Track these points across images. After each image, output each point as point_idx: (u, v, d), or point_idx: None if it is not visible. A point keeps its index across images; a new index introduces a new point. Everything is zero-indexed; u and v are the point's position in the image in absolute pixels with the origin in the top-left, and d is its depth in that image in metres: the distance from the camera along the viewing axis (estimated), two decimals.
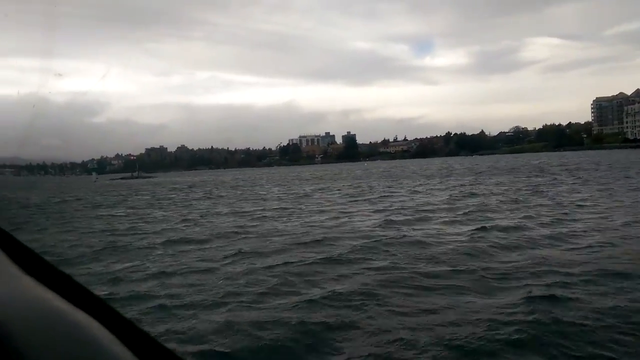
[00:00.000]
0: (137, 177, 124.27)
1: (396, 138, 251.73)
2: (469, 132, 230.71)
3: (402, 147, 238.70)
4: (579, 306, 7.00)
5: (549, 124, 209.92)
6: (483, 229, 13.48)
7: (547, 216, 15.64)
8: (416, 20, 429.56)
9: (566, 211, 16.72)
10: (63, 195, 51.68)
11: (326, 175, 69.65)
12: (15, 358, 0.50)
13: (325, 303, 7.76)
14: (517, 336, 6.03)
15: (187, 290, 9.14)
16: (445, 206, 20.09)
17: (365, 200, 26.04)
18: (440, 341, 6.02)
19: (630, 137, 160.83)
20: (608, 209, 16.82)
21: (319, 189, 39.07)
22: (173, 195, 42.58)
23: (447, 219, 16.10)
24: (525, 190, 26.29)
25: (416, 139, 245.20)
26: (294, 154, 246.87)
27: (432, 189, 32.06)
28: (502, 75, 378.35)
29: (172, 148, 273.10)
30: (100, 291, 9.20)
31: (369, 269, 9.96)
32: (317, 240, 13.57)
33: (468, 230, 13.46)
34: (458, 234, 13.15)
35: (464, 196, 24.38)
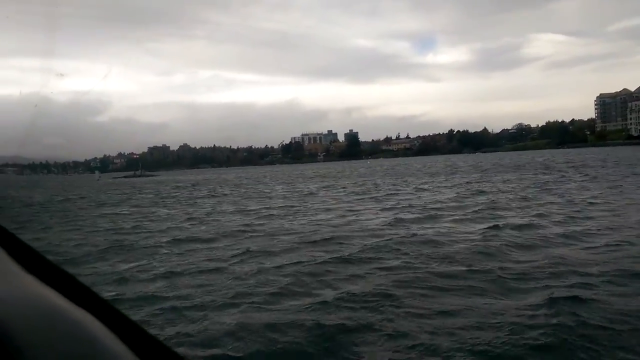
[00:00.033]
0: (139, 176, 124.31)
1: (398, 136, 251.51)
2: (471, 130, 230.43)
3: (404, 144, 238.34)
4: (604, 308, 6.75)
5: (551, 120, 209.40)
6: (495, 227, 13.22)
7: (559, 214, 15.37)
8: (418, 17, 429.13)
9: (578, 209, 16.44)
10: (66, 193, 51.60)
11: (330, 173, 69.40)
12: (15, 356, 0.49)
13: (340, 304, 7.53)
14: (543, 340, 5.78)
15: (196, 290, 8.92)
16: (454, 204, 19.82)
17: (371, 198, 25.80)
18: (463, 346, 5.78)
19: (634, 133, 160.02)
20: (620, 207, 16.54)
21: (324, 187, 38.83)
22: (177, 194, 42.38)
23: (457, 217, 15.84)
24: (534, 187, 26.00)
25: (419, 136, 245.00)
26: (296, 152, 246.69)
27: (438, 186, 31.78)
28: (504, 72, 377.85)
29: (174, 147, 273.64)
30: (108, 292, 9.00)
31: (381, 268, 9.73)
32: (326, 239, 13.34)
33: (480, 229, 13.20)
34: (470, 233, 12.89)
35: (472, 194, 24.10)
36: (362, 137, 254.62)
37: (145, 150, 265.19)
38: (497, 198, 21.10)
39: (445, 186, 31.47)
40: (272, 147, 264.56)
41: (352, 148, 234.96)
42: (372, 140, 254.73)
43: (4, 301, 0.57)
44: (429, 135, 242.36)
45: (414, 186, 33.00)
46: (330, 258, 10.77)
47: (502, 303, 7.31)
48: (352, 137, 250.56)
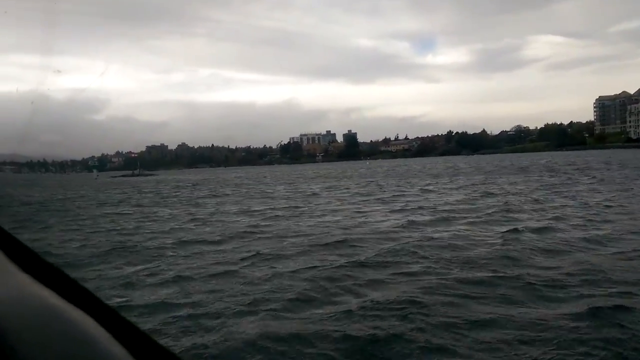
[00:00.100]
0: (138, 175, 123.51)
1: (397, 137, 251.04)
2: (470, 131, 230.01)
3: (403, 145, 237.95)
4: None
5: (550, 122, 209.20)
6: (515, 230, 12.77)
7: (577, 217, 14.95)
8: (419, 17, 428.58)
9: (594, 212, 16.03)
10: (65, 192, 51.02)
11: (331, 174, 68.92)
12: (10, 355, 0.49)
13: (366, 313, 7.06)
14: (597, 355, 5.32)
15: (208, 296, 8.45)
16: (465, 206, 19.37)
17: (377, 199, 25.32)
18: None
19: (633, 136, 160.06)
20: (637, 210, 16.14)
21: (327, 188, 38.36)
22: (178, 193, 41.87)
23: (471, 220, 15.38)
24: (543, 190, 25.57)
25: (417, 137, 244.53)
26: (295, 152, 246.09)
27: (443, 188, 31.34)
28: (504, 73, 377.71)
29: (172, 146, 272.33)
30: (115, 297, 8.53)
31: (402, 274, 9.27)
32: (339, 241, 12.87)
33: (499, 232, 12.76)
34: (488, 236, 12.45)
35: (481, 196, 23.65)
36: (361, 138, 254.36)
37: (144, 149, 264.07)
38: (508, 200, 20.65)
39: (451, 188, 31.04)
40: (270, 147, 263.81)
41: (350, 149, 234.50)
42: (371, 141, 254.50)
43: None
44: (428, 136, 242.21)
45: (419, 187, 32.56)
46: (347, 262, 10.31)
47: (540, 313, 6.84)
48: (350, 137, 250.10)
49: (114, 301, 8.25)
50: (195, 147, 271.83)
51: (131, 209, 28.14)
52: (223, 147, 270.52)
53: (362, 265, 10.05)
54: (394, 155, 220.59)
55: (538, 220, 14.65)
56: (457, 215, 16.79)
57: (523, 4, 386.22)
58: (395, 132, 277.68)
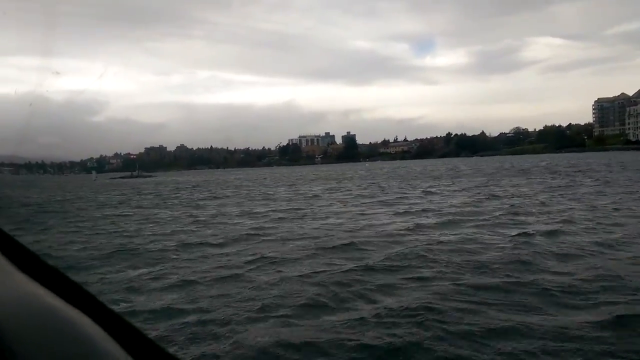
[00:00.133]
0: (137, 177, 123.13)
1: (396, 138, 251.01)
2: (469, 133, 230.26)
3: (402, 147, 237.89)
4: None
5: (549, 124, 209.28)
6: (525, 234, 12.55)
7: (587, 220, 14.72)
8: (417, 19, 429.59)
9: (602, 215, 15.80)
10: (64, 194, 50.71)
11: (331, 176, 68.66)
12: (9, 356, 0.50)
13: (380, 320, 6.82)
14: None
15: (215, 302, 8.21)
16: (470, 209, 19.13)
17: (380, 202, 25.08)
18: None
19: (632, 138, 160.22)
20: None
21: (328, 190, 38.12)
22: (178, 195, 41.60)
23: (478, 223, 15.14)
24: (547, 192, 25.34)
25: (416, 139, 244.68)
26: (293, 154, 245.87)
27: (446, 190, 31.10)
28: (502, 75, 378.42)
29: (171, 147, 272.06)
30: (118, 302, 8.28)
31: (413, 279, 9.03)
32: (345, 244, 12.64)
33: (508, 236, 12.52)
34: (499, 240, 12.20)
35: (486, 198, 23.41)
36: (360, 140, 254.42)
37: (142, 150, 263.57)
38: (513, 203, 20.44)
39: (454, 190, 30.81)
40: (269, 149, 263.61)
41: (349, 150, 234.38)
42: (370, 143, 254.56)
43: None
44: (427, 138, 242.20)
45: (422, 189, 32.32)
46: (355, 266, 10.08)
47: (560, 320, 6.61)
48: (349, 139, 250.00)
49: (118, 306, 8.01)
50: (194, 148, 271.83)
51: (131, 210, 27.88)
52: (222, 148, 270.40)
53: (372, 269, 9.81)
54: (393, 157, 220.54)
55: (547, 224, 14.42)
56: (463, 218, 16.56)
57: (522, 6, 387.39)
58: (394, 134, 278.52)
